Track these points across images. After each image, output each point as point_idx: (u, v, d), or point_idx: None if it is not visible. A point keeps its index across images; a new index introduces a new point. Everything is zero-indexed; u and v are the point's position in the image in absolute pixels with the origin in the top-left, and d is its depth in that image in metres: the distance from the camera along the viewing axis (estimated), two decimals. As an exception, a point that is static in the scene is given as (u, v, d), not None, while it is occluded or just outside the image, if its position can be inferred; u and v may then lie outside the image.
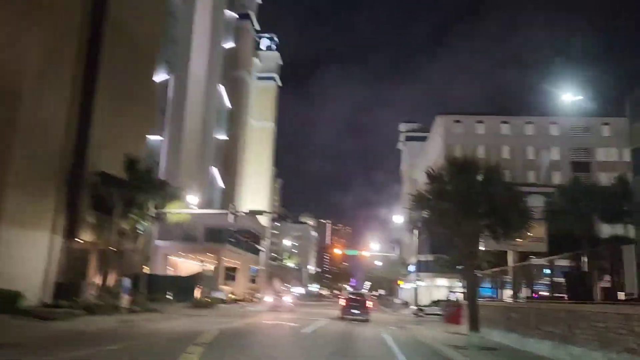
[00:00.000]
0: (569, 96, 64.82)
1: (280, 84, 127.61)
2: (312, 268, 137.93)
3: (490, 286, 42.28)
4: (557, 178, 58.32)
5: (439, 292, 56.00)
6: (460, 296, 51.67)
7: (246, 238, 51.78)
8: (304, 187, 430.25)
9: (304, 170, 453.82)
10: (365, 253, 50.95)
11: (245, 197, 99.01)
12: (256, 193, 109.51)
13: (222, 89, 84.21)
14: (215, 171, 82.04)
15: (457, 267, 24.77)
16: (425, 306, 47.52)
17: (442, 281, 55.53)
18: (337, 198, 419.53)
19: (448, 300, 46.83)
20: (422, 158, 79.19)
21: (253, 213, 48.26)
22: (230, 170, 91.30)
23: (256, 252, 73.82)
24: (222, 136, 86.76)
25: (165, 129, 54.49)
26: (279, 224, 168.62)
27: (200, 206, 68.95)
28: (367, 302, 35.15)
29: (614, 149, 56.10)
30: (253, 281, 76.63)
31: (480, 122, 60.02)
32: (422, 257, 57.35)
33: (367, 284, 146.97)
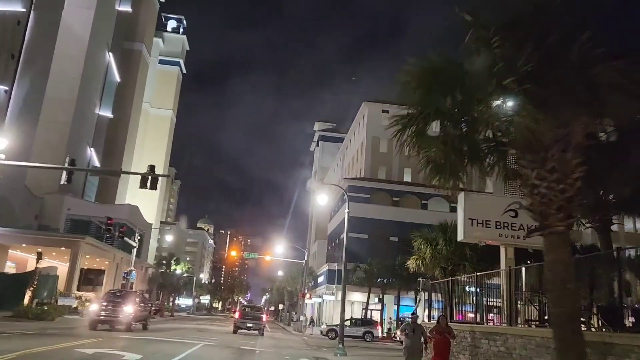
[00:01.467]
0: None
1: (185, 71, 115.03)
2: (204, 277, 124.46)
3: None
4: (490, 185, 52.83)
5: (352, 308, 47.41)
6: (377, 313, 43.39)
7: (121, 234, 39.73)
8: (207, 194, 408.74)
9: (210, 177, 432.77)
10: (267, 257, 40.99)
11: (133, 190, 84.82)
12: (146, 191, 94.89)
13: (110, 57, 70.56)
14: (92, 152, 67.90)
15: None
16: (337, 325, 38.43)
17: (357, 296, 47.03)
18: (241, 209, 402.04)
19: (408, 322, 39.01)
20: (338, 160, 71.25)
21: (111, 173, 36.48)
22: (115, 156, 77.20)
23: (138, 252, 60.90)
24: (107, 113, 72.81)
25: (17, 79, 41.10)
26: (169, 227, 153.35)
27: (66, 190, 55.31)
28: (263, 315, 34.12)
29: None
30: (129, 287, 63.41)
31: (410, 114, 53.21)
32: (334, 266, 48.51)
33: (265, 298, 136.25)
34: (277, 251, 46.19)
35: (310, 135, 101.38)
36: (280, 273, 68.38)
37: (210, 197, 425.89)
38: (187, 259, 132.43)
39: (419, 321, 16.42)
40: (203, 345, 19.69)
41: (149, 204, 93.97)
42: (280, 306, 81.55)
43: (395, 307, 45.43)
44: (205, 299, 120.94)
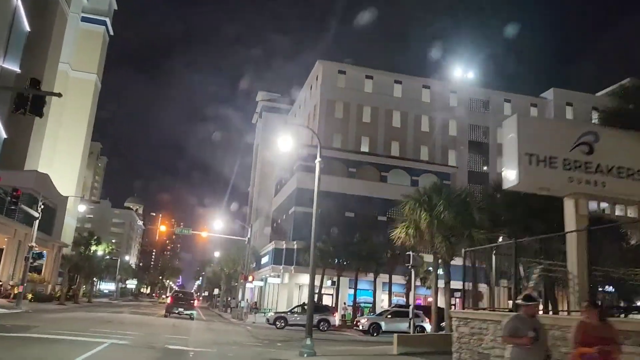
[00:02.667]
0: (460, 71, 56.80)
1: (112, 32, 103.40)
2: (132, 261, 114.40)
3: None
4: (452, 157, 48.58)
5: (301, 292, 41.72)
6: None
7: (14, 200, 31.26)
8: (137, 173, 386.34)
9: (143, 156, 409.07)
10: (203, 234, 34.39)
11: (47, 159, 74.25)
12: (66, 160, 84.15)
13: (18, 2, 59.68)
14: (-6, 112, 57.37)
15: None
16: (287, 312, 32.64)
17: (307, 279, 41.31)
18: (176, 191, 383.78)
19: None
20: (284, 131, 64.83)
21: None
22: (24, 119, 66.47)
23: (49, 230, 52.08)
24: (13, 67, 62.08)
25: None
26: (92, 206, 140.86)
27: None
28: (193, 300, 37.17)
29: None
30: (37, 270, 54.29)
31: (370, 77, 47.75)
32: (282, 245, 42.49)
33: (197, 283, 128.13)
34: (214, 226, 39.58)
35: (250, 116, 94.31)
36: (216, 254, 61.56)
37: (141, 177, 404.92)
38: (113, 240, 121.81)
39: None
40: (109, 345, 13.18)
41: (67, 178, 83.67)
42: (216, 291, 74.72)
43: (351, 290, 40.19)
44: (132, 284, 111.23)
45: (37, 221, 33.99)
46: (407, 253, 17.59)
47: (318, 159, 16.58)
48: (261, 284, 50.42)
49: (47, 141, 78.15)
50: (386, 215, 43.77)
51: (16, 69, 63.11)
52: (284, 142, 16.40)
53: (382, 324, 29.77)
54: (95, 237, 62.21)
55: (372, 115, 46.72)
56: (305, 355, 14.70)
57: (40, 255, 56.76)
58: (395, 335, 16.11)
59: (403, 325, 29.96)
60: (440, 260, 19.39)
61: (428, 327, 30.20)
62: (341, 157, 44.73)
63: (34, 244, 33.62)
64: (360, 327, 30.16)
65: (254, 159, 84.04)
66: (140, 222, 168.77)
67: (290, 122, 62.23)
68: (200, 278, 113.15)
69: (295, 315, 31.79)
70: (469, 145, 48.86)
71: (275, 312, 33.63)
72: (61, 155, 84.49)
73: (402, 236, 17.58)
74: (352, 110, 46.47)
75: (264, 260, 47.81)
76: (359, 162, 44.83)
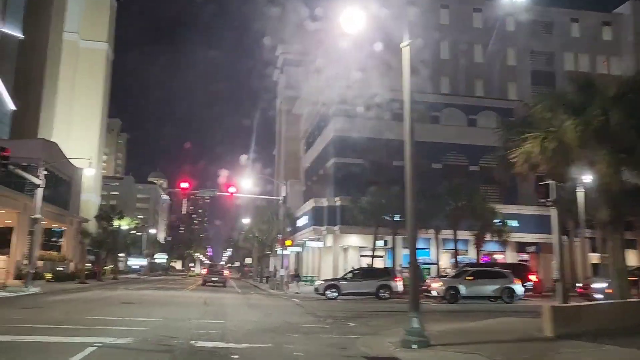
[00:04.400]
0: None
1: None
2: (154, 233, 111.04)
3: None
4: (512, 91, 41.98)
5: (345, 256, 36.54)
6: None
7: (3, 164, 26.17)
8: (160, 148, 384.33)
9: (164, 130, 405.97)
10: (230, 191, 29.09)
11: (63, 133, 70.12)
12: (82, 134, 79.72)
13: (12, -42, 54.31)
14: (-4, 81, 52.83)
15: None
16: (339, 279, 27.35)
17: (353, 240, 35.98)
18: (199, 162, 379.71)
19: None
20: (311, 79, 58.58)
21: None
22: (31, 90, 62.04)
23: (65, 204, 48.16)
24: (15, 32, 57.12)
25: None
26: (117, 182, 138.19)
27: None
28: (224, 271, 46.80)
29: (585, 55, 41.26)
30: (54, 248, 50.44)
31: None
32: (322, 202, 37.07)
33: (227, 254, 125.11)
34: (242, 189, 34.29)
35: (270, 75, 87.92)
36: (246, 221, 56.84)
37: (163, 151, 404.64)
38: (140, 216, 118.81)
39: None
40: (95, 351, 7.90)
41: (84, 152, 79.63)
42: (248, 260, 70.46)
43: (406, 251, 34.75)
44: (161, 259, 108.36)
45: (41, 189, 29.16)
46: (542, 182, 11.72)
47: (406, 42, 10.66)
48: (298, 249, 45.38)
49: (61, 113, 73.92)
50: (441, 162, 37.89)
51: (19, 34, 58.31)
52: (354, 18, 10.27)
53: (462, 287, 24.18)
54: (118, 211, 57.66)
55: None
56: (416, 345, 9.27)
57: (56, 232, 52.95)
58: (548, 307, 10.50)
59: (488, 289, 24.36)
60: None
61: (520, 290, 24.57)
62: (383, 97, 38.62)
63: (38, 216, 28.88)
64: (434, 293, 24.65)
65: (277, 119, 78.28)
66: (165, 196, 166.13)
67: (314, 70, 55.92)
68: (230, 249, 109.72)
69: (350, 282, 26.50)
70: (533, 75, 42.00)
71: (326, 280, 28.43)
72: (77, 129, 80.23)
73: (532, 154, 11.48)
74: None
75: (301, 222, 42.56)
76: (403, 101, 38.70)
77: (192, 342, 9.23)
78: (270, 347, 9.18)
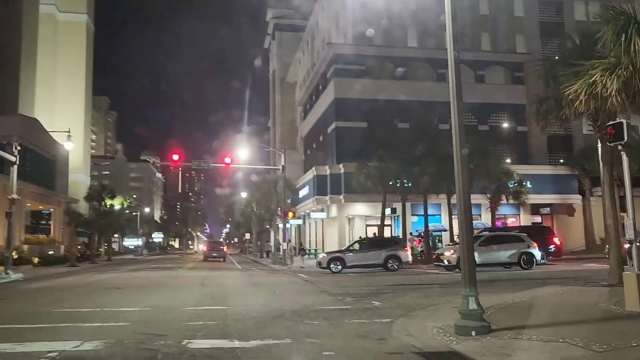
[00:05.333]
0: None
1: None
2: (149, 212, 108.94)
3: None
4: (520, 44, 39.26)
5: (351, 226, 34.50)
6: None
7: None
8: (151, 124, 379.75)
9: (153, 105, 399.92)
10: (226, 159, 26.76)
11: (44, 110, 66.96)
12: (67, 112, 76.30)
13: None
14: (-32, 57, 49.53)
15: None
16: (343, 251, 25.22)
17: (359, 209, 33.83)
18: (192, 137, 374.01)
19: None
20: (305, 44, 55.53)
21: None
22: (7, 66, 58.49)
23: (51, 185, 45.86)
24: (-16, 4, 53.46)
25: None
26: (108, 162, 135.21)
27: None
28: (223, 247, 50.93)
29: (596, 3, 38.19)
30: (42, 230, 48.19)
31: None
32: (325, 170, 34.75)
33: (225, 231, 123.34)
34: (238, 160, 31.89)
35: (261, 43, 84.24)
36: (243, 195, 54.62)
37: (154, 128, 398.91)
38: (134, 195, 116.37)
39: None
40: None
41: (74, 133, 76.09)
42: (247, 236, 68.50)
43: (415, 218, 32.82)
44: (158, 238, 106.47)
45: (16, 167, 26.59)
46: (613, 122, 9.39)
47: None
48: (299, 222, 43.31)
49: (42, 90, 70.53)
50: (448, 122, 35.50)
51: (-13, 5, 54.66)
52: None
53: (476, 255, 21.98)
54: (109, 190, 55.14)
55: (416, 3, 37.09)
56: (474, 332, 7.11)
57: (44, 215, 50.57)
58: (633, 275, 8.32)
59: (504, 255, 22.31)
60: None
61: (538, 255, 22.51)
62: (386, 54, 36.03)
63: (15, 196, 26.42)
64: (445, 262, 22.60)
65: (271, 88, 75.30)
66: (159, 175, 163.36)
67: (310, 32, 52.79)
68: (228, 225, 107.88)
69: (355, 253, 24.42)
70: (542, 27, 39.19)
71: (328, 253, 26.33)
72: (62, 106, 77.02)
73: (600, 86, 9.10)
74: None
75: (303, 193, 40.31)
76: (409, 58, 36.06)
77: (185, 341, 6.99)
78: (288, 345, 6.96)
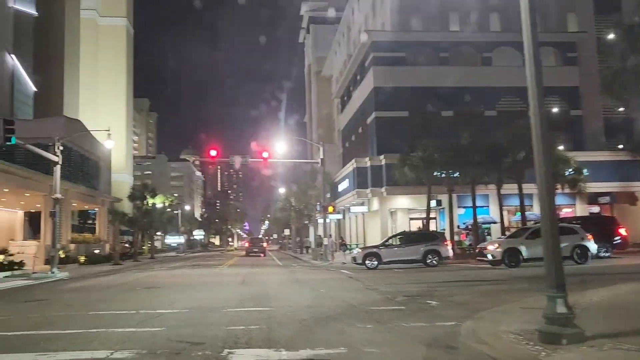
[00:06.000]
0: None
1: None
2: (189, 210, 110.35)
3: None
4: (572, 22, 36.95)
5: (393, 220, 33.25)
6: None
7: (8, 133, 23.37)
8: (190, 125, 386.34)
9: (192, 106, 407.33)
10: (264, 155, 25.95)
11: (87, 112, 68.45)
12: (110, 114, 77.85)
13: None
14: (15, 61, 50.84)
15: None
16: (379, 246, 24.09)
17: (402, 202, 32.53)
18: (229, 137, 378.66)
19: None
20: (340, 36, 54.42)
21: None
22: (52, 69, 59.84)
23: (94, 184, 46.51)
24: (29, 8, 54.77)
25: None
26: (149, 162, 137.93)
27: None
28: (263, 243, 56.57)
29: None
30: (89, 229, 49.08)
31: None
32: (365, 162, 33.60)
33: (263, 227, 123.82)
34: (277, 152, 31.20)
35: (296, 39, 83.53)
36: (282, 191, 54.09)
37: (194, 127, 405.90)
38: (175, 194, 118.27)
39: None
40: None
41: (113, 131, 77.56)
42: (286, 232, 68.12)
43: (461, 210, 31.27)
44: (199, 235, 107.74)
45: (59, 167, 26.76)
46: None
47: None
48: (339, 216, 42.29)
49: (85, 93, 72.09)
50: (495, 108, 33.74)
51: (32, 10, 56.02)
52: None
53: (522, 248, 20.37)
54: (151, 189, 55.74)
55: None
56: (566, 340, 5.95)
57: (90, 214, 51.48)
58: None
59: None
60: None
61: (593, 248, 20.67)
62: (427, 39, 34.50)
63: (58, 195, 26.60)
64: (489, 257, 20.99)
65: (307, 83, 74.53)
66: (199, 173, 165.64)
67: (345, 23, 51.57)
68: (266, 222, 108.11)
69: (391, 249, 23.28)
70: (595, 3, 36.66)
71: (364, 248, 25.27)
72: (104, 107, 78.90)
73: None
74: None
75: (342, 186, 39.27)
76: (453, 43, 34.36)
77: (225, 351, 6.11)
78: (344, 356, 5.97)
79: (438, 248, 22.94)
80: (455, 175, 27.39)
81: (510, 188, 27.88)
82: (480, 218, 29.34)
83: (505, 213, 29.87)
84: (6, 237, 39.29)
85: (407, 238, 24.03)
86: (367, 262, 22.68)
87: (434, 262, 22.49)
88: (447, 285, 14.44)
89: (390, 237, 25.00)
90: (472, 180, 27.17)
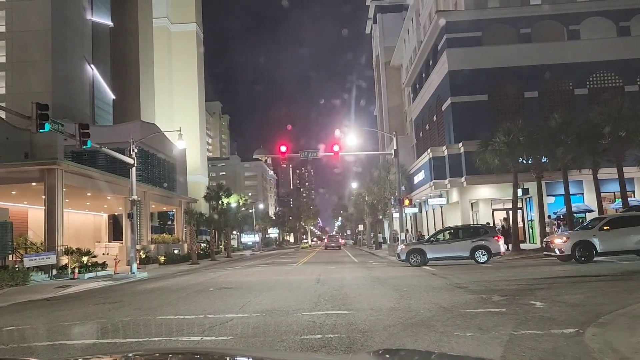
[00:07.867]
0: None
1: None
2: (263, 208, 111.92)
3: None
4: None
5: (474, 211, 31.14)
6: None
7: (85, 135, 23.96)
8: (261, 126, 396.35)
9: (262, 107, 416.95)
10: (335, 149, 24.97)
11: (164, 117, 71.21)
12: (185, 117, 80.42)
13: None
14: (93, 70, 53.40)
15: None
16: (424, 242, 22.47)
17: (484, 192, 30.35)
18: (299, 136, 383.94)
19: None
20: (409, 22, 52.42)
21: None
22: (128, 76, 62.57)
23: (170, 186, 47.89)
24: (104, 20, 57.46)
25: None
26: (223, 163, 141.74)
27: (65, 117, 41.76)
28: (339, 238, 69.94)
29: None
30: (168, 230, 50.68)
31: None
32: (442, 152, 31.72)
33: (337, 224, 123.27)
34: (348, 144, 30.16)
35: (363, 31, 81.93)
36: (354, 185, 53.05)
37: (266, 128, 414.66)
38: (249, 193, 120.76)
39: None
40: None
41: (188, 133, 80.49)
42: (360, 227, 67.00)
43: (551, 199, 28.68)
44: (274, 233, 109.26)
45: (134, 169, 27.30)
46: None
47: None
48: (414, 210, 40.54)
49: (161, 98, 74.91)
50: (586, 86, 30.61)
51: (108, 22, 58.67)
52: None
53: (596, 242, 17.77)
54: (225, 189, 56.66)
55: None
56: None
57: (169, 215, 53.12)
58: None
59: (633, 241, 17.68)
60: None
61: None
62: (505, 15, 32.00)
63: (135, 197, 27.12)
64: (557, 251, 18.51)
65: (375, 74, 72.87)
66: (271, 172, 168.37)
67: (414, 8, 49.47)
68: (340, 218, 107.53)
69: (436, 244, 21.69)
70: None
71: (407, 244, 23.65)
72: (179, 111, 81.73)
73: None
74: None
75: (417, 178, 37.50)
76: (534, 17, 31.62)
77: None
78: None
79: (487, 244, 20.91)
80: (544, 160, 24.97)
81: (607, 172, 25.03)
82: (574, 207, 26.60)
83: (602, 200, 26.93)
84: (93, 239, 41.31)
85: (455, 233, 22.16)
86: (411, 259, 21.34)
87: (483, 258, 20.63)
88: (539, 282, 12.69)
89: (439, 232, 23.44)
90: (563, 165, 24.61)
